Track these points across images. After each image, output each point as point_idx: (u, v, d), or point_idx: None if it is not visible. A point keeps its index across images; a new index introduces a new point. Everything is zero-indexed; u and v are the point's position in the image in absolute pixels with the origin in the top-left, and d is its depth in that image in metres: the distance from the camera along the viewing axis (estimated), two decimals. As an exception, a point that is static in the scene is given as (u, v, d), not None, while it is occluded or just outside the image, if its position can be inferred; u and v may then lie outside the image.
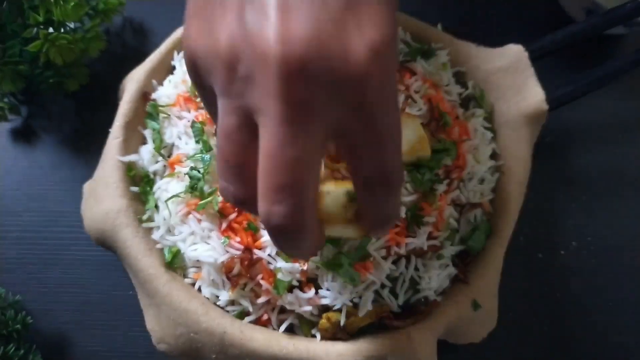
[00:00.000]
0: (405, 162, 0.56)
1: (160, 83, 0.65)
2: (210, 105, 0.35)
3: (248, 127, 0.31)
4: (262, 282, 0.51)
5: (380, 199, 0.35)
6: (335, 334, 0.52)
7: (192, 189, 0.54)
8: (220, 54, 0.30)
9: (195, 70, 0.34)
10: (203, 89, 0.34)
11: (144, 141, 0.63)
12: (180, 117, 0.60)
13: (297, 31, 0.28)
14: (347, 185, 0.41)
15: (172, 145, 0.60)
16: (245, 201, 0.35)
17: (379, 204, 0.36)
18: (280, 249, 0.37)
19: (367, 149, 0.32)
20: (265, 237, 0.52)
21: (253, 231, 0.52)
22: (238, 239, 0.52)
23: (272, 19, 0.28)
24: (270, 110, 0.29)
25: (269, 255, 0.52)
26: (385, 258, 0.53)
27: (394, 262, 0.54)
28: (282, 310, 0.53)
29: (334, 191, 0.41)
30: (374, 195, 0.35)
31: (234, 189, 0.35)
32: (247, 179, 0.33)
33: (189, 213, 0.55)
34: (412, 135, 0.55)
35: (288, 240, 0.33)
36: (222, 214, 0.53)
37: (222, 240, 0.52)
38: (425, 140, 0.55)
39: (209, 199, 0.53)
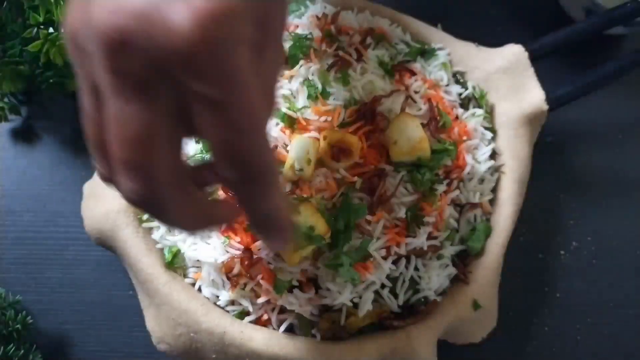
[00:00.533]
0: (406, 162, 0.56)
1: (161, 83, 0.65)
2: None
3: (97, 101, 0.30)
4: (262, 282, 0.51)
5: (246, 193, 0.33)
6: (335, 333, 0.52)
7: (192, 189, 0.54)
8: (67, 28, 0.30)
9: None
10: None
11: (144, 141, 0.63)
12: (180, 117, 0.60)
13: (125, 3, 0.26)
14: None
15: (172, 145, 0.60)
16: (108, 178, 0.33)
17: (247, 198, 0.34)
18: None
19: (217, 132, 0.29)
20: None
21: (253, 231, 0.52)
22: (238, 239, 0.52)
23: None
24: (105, 83, 0.28)
25: (268, 255, 0.52)
26: (385, 258, 0.53)
27: (394, 262, 0.54)
28: (282, 310, 0.53)
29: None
30: (238, 189, 0.33)
31: (99, 166, 0.33)
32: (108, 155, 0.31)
33: (189, 213, 0.55)
34: (412, 135, 0.55)
35: (150, 212, 0.33)
36: (222, 214, 0.53)
37: (222, 240, 0.52)
38: (425, 140, 0.55)
39: (209, 199, 0.53)
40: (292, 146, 0.53)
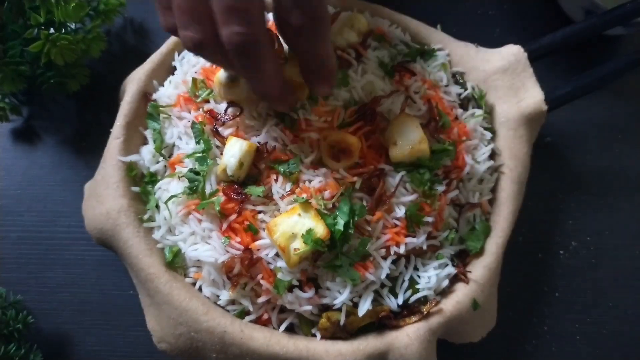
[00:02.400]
0: (405, 163, 0.56)
1: (161, 83, 0.65)
2: None
3: None
4: (262, 281, 0.52)
5: (308, 39, 0.44)
6: (335, 333, 0.53)
7: (191, 190, 0.54)
8: None
9: None
10: None
11: (144, 141, 0.63)
12: (180, 118, 0.60)
13: None
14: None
15: (173, 145, 0.60)
16: (202, 43, 0.42)
17: (308, 44, 0.44)
18: (244, 74, 0.46)
19: None
20: (265, 239, 0.52)
21: (253, 232, 0.52)
22: (238, 239, 0.52)
23: None
24: None
25: (267, 255, 0.52)
26: (385, 258, 0.53)
27: (394, 262, 0.54)
28: (282, 309, 0.54)
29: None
30: (302, 36, 0.43)
31: (193, 33, 0.41)
32: (203, 19, 0.40)
33: (189, 213, 0.55)
34: (411, 136, 0.55)
35: (249, 58, 0.41)
36: (222, 215, 0.53)
37: (223, 241, 0.52)
38: (424, 140, 0.55)
39: (210, 199, 0.53)
40: (225, 151, 0.54)
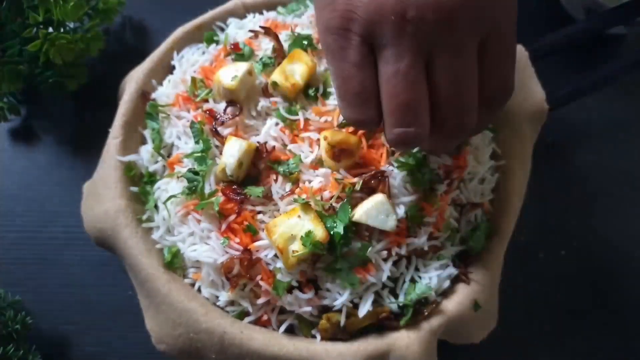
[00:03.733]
0: (406, 162, 0.55)
1: (160, 83, 0.65)
2: (345, 58, 0.42)
3: (419, 65, 0.40)
4: (261, 282, 0.51)
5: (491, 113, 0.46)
6: (335, 334, 0.52)
7: (190, 190, 0.54)
8: (390, 6, 0.39)
9: (350, 27, 0.40)
10: (348, 47, 0.41)
11: (143, 141, 0.63)
12: (179, 117, 0.60)
13: None
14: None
15: (172, 145, 0.60)
16: (422, 136, 0.42)
17: (487, 117, 0.46)
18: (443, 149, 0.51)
19: (496, 65, 0.42)
20: (264, 239, 0.52)
21: (252, 233, 0.52)
22: (237, 239, 0.52)
23: None
24: (448, 44, 0.40)
25: (267, 255, 0.52)
26: (385, 260, 0.53)
27: (395, 263, 0.53)
28: (282, 310, 0.53)
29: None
30: (490, 110, 0.45)
31: (416, 128, 0.42)
32: (423, 113, 0.41)
33: (188, 213, 0.55)
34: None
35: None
36: (221, 215, 0.53)
37: (222, 241, 0.52)
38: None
39: (209, 199, 0.53)
40: (224, 151, 0.53)
